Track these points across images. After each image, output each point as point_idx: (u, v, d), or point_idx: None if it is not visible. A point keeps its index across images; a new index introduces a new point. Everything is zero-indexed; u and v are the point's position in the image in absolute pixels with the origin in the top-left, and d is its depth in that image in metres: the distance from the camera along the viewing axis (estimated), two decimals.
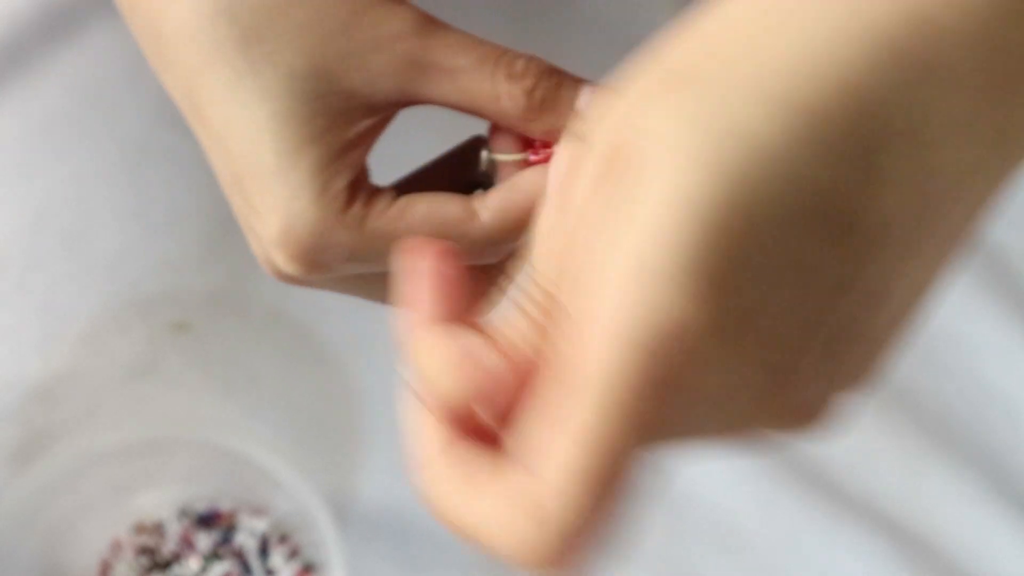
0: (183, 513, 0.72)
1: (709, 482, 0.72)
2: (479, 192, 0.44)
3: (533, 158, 0.44)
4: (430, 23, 0.43)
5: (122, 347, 0.73)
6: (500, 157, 0.44)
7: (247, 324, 0.73)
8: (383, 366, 0.73)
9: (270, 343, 0.73)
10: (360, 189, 0.43)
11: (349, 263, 0.43)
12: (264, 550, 0.71)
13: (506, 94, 0.42)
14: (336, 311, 0.73)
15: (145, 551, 0.71)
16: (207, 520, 0.72)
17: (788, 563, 0.71)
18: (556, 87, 0.43)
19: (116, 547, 0.71)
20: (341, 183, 0.42)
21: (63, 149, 0.74)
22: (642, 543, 0.71)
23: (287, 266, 0.43)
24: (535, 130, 0.43)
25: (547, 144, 0.43)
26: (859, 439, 0.73)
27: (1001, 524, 0.71)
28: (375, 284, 0.46)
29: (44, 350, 0.72)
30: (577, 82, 0.43)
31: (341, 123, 0.42)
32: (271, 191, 0.42)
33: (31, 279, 0.73)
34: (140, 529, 0.72)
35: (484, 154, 0.44)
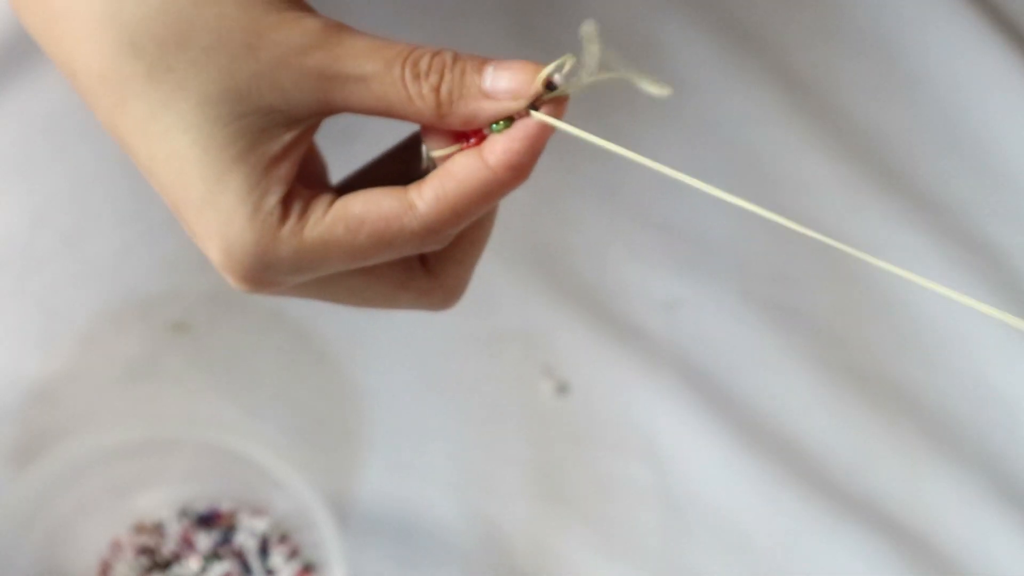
0: (183, 513, 0.72)
1: (709, 482, 0.72)
2: (414, 183, 0.43)
3: (467, 144, 0.44)
4: (335, 31, 0.42)
5: (122, 347, 0.73)
6: (436, 153, 0.44)
7: (247, 324, 0.73)
8: (383, 366, 0.73)
9: (270, 343, 0.73)
10: (294, 200, 0.43)
11: (295, 276, 0.44)
12: (264, 550, 0.71)
13: (416, 94, 0.42)
14: (336, 311, 0.73)
15: (145, 551, 0.71)
16: (207, 520, 0.72)
17: (788, 563, 0.71)
18: (461, 76, 0.43)
19: (116, 547, 0.71)
20: (273, 200, 0.42)
21: (63, 149, 0.74)
22: (642, 543, 0.71)
23: (236, 287, 0.44)
24: (453, 123, 0.43)
25: (477, 132, 0.43)
26: (859, 439, 0.73)
27: (1001, 524, 0.72)
28: (336, 285, 0.46)
29: (44, 350, 0.72)
30: (481, 64, 0.43)
31: (263, 140, 0.42)
32: (205, 219, 0.42)
33: (31, 279, 0.73)
34: (140, 529, 0.72)
35: (423, 149, 0.44)
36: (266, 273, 0.43)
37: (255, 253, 0.42)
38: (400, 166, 0.46)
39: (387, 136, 0.47)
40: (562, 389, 0.74)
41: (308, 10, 0.43)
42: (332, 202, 0.43)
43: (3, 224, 0.73)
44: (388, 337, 0.74)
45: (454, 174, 0.43)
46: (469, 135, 0.43)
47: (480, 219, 0.46)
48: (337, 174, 0.47)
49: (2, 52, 0.74)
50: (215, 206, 0.42)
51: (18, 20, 0.74)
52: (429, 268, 0.47)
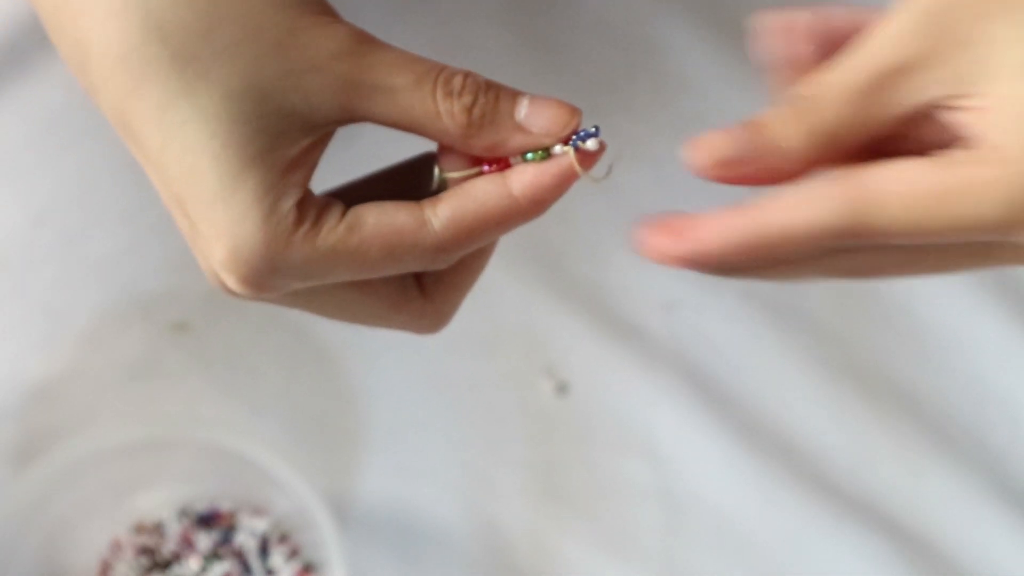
0: (183, 513, 0.72)
1: (709, 482, 0.72)
2: (428, 199, 0.43)
3: (487, 169, 0.43)
4: (366, 41, 0.42)
5: (122, 347, 0.73)
6: (452, 175, 0.43)
7: (247, 324, 0.73)
8: (383, 366, 0.73)
9: (270, 343, 0.73)
10: (308, 207, 0.42)
11: (303, 281, 0.43)
12: (264, 550, 0.71)
13: (446, 112, 0.42)
14: None
15: (145, 551, 0.71)
16: (207, 520, 0.72)
17: (788, 563, 0.71)
18: (495, 102, 0.42)
19: (116, 547, 0.71)
20: (289, 203, 0.41)
21: (63, 149, 0.74)
22: (642, 543, 0.71)
23: (236, 289, 0.42)
24: (476, 147, 0.42)
25: (499, 159, 0.43)
26: (859, 439, 0.73)
27: (1001, 524, 0.71)
28: (329, 298, 0.45)
29: (44, 350, 0.72)
30: (514, 95, 0.42)
31: (282, 143, 0.41)
32: (216, 216, 0.41)
33: (31, 279, 0.73)
34: (140, 529, 0.72)
35: (436, 172, 0.44)
36: (271, 277, 0.42)
37: (264, 255, 0.41)
38: (404, 184, 0.45)
39: (386, 143, 0.46)
40: (562, 389, 0.74)
41: (340, 18, 0.42)
42: (344, 212, 0.42)
43: (4, 224, 0.73)
44: (388, 337, 0.73)
45: (475, 197, 0.42)
46: (488, 161, 0.43)
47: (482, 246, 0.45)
48: (332, 178, 0.47)
49: (2, 52, 0.74)
50: (228, 203, 0.41)
51: (17, 22, 0.74)
52: (424, 289, 0.46)
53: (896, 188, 0.38)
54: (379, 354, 0.73)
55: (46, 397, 0.71)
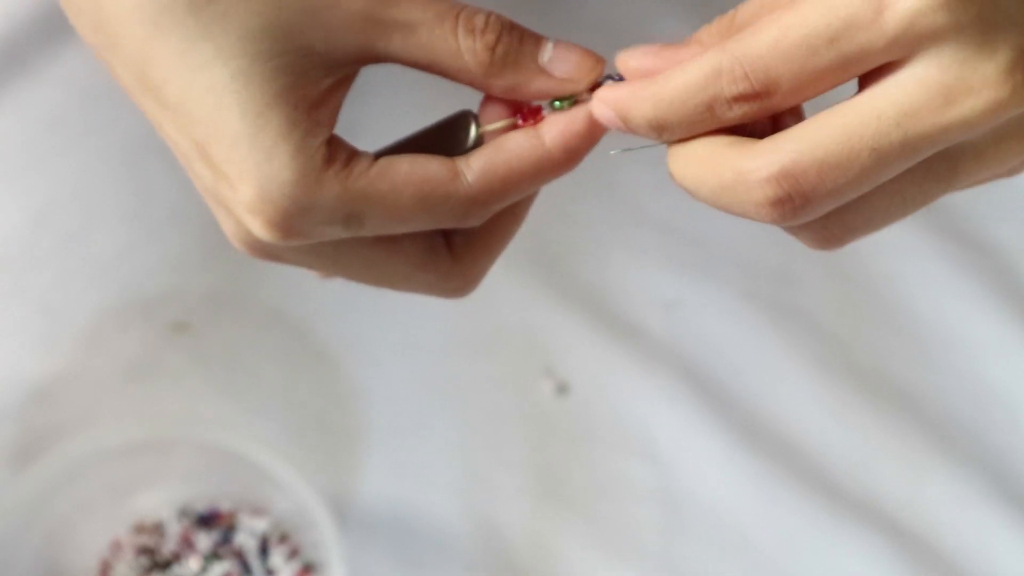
0: (183, 513, 0.72)
1: (709, 482, 0.72)
2: (461, 156, 0.43)
3: (521, 123, 0.43)
4: None
5: (122, 347, 0.72)
6: (489, 127, 0.43)
7: (247, 324, 0.73)
8: (383, 366, 0.73)
9: (270, 343, 0.73)
10: (337, 148, 0.41)
11: (329, 227, 0.42)
12: (264, 550, 0.71)
13: (468, 49, 0.42)
14: (336, 311, 0.73)
15: (145, 551, 0.71)
16: (207, 520, 0.72)
17: (788, 563, 0.71)
18: (519, 43, 0.42)
19: (116, 547, 0.71)
20: (316, 141, 0.41)
21: (63, 149, 0.74)
22: (642, 543, 0.71)
23: (263, 234, 0.42)
24: (496, 87, 0.42)
25: (535, 111, 0.43)
26: (859, 439, 0.73)
27: (1001, 524, 0.71)
28: (354, 256, 0.44)
29: (44, 350, 0.72)
30: (538, 39, 0.43)
31: (303, 82, 0.41)
32: (241, 155, 0.40)
33: (31, 279, 0.73)
34: (140, 529, 0.72)
35: (472, 130, 0.44)
36: (301, 218, 0.41)
37: (294, 194, 0.40)
38: (439, 145, 0.44)
39: (391, 134, 0.46)
40: (562, 389, 0.74)
41: None
42: (375, 159, 0.42)
43: (4, 224, 0.73)
44: (388, 337, 0.74)
45: (507, 148, 0.42)
46: (523, 115, 0.43)
47: (514, 207, 0.45)
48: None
49: (2, 52, 0.74)
50: (254, 141, 0.40)
51: (17, 22, 0.74)
52: (454, 250, 0.46)
53: (769, 25, 0.39)
54: (379, 354, 0.73)
55: (46, 397, 0.71)
